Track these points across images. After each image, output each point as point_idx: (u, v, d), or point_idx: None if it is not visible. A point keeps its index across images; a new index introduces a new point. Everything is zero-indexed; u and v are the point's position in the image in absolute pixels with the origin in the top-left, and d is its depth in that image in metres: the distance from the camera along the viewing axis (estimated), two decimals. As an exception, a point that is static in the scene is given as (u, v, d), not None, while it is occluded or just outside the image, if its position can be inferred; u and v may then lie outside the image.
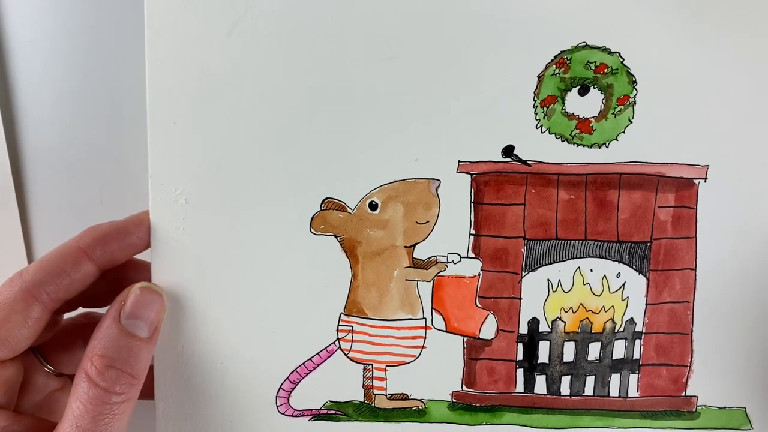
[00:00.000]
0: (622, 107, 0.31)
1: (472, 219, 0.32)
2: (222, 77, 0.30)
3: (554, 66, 0.30)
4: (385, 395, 0.33)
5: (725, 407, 0.33)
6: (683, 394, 0.33)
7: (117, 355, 0.28)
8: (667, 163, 0.31)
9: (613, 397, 0.33)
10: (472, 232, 0.32)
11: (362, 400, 0.33)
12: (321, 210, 0.32)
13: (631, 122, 0.31)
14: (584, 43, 0.30)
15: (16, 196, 0.41)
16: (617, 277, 0.32)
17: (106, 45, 0.39)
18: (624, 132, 0.31)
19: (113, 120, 0.40)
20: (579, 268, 0.32)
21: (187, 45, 0.30)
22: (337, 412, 0.33)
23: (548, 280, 0.33)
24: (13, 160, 0.41)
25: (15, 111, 0.40)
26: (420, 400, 0.33)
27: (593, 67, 0.31)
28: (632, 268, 0.32)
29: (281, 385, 0.33)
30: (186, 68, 0.30)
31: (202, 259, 0.31)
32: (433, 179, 0.31)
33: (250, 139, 0.31)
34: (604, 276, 0.32)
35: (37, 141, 0.41)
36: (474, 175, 0.32)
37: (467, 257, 0.32)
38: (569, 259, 0.32)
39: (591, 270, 0.32)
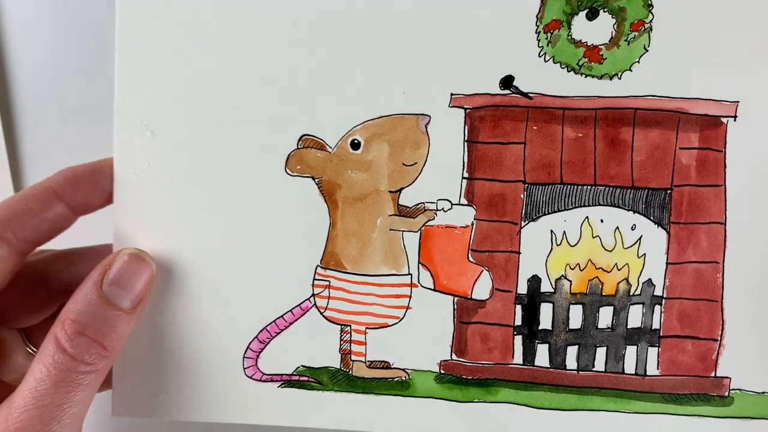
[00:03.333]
0: (636, 33, 0.28)
1: (466, 160, 0.30)
2: (193, 2, 0.29)
3: (559, -14, 0.28)
4: (364, 362, 0.31)
5: (764, 392, 0.30)
6: (713, 375, 0.30)
7: (91, 322, 0.27)
8: (689, 98, 0.29)
9: (628, 374, 0.30)
10: (465, 175, 0.30)
11: (338, 367, 0.31)
12: (298, 148, 0.30)
13: (647, 50, 0.28)
14: (593, -40, 0.28)
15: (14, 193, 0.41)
16: (632, 229, 0.30)
17: (107, 43, 0.37)
18: (638, 62, 0.29)
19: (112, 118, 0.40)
20: (587, 218, 0.30)
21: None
22: (310, 379, 0.31)
23: (552, 231, 0.30)
24: (12, 159, 0.41)
25: (15, 110, 0.41)
26: (404, 370, 0.31)
27: (603, -12, 0.28)
28: (650, 219, 0.29)
29: (249, 344, 0.31)
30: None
31: (165, 201, 0.30)
32: (422, 115, 0.29)
33: (223, 70, 0.29)
34: (617, 228, 0.30)
35: (36, 140, 0.41)
36: (468, 110, 0.29)
37: (459, 204, 0.30)
38: (576, 207, 0.30)
39: (601, 221, 0.30)
